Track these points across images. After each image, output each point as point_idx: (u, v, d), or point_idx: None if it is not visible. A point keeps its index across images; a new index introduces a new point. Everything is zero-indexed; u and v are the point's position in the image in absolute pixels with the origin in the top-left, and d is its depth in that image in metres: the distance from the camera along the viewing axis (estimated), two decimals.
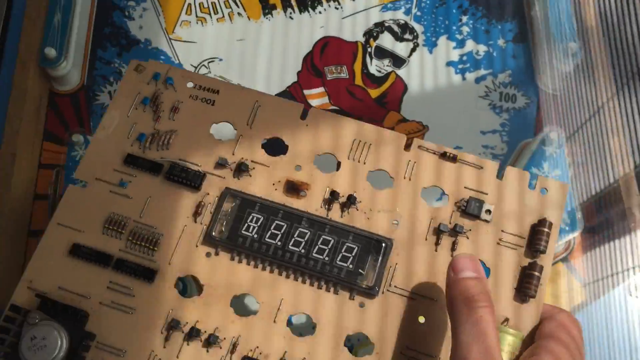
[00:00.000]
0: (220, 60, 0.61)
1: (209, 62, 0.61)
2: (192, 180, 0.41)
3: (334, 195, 0.40)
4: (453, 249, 0.39)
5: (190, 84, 0.44)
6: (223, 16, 0.63)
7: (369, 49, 0.62)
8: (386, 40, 0.62)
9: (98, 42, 0.61)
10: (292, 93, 0.60)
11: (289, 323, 0.38)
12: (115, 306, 0.39)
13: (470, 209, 0.40)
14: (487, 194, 0.40)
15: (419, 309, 0.38)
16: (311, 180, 0.41)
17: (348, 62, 0.61)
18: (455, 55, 0.61)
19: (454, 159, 0.41)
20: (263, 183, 0.41)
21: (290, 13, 0.63)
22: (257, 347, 0.38)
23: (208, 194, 0.41)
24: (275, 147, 0.42)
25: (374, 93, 0.60)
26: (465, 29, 0.62)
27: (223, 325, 0.38)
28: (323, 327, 0.38)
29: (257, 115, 0.43)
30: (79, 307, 0.38)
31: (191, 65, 0.61)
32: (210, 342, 0.38)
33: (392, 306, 0.38)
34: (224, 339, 0.38)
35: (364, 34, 0.62)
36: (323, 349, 0.38)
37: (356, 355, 0.37)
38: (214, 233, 0.40)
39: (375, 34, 0.62)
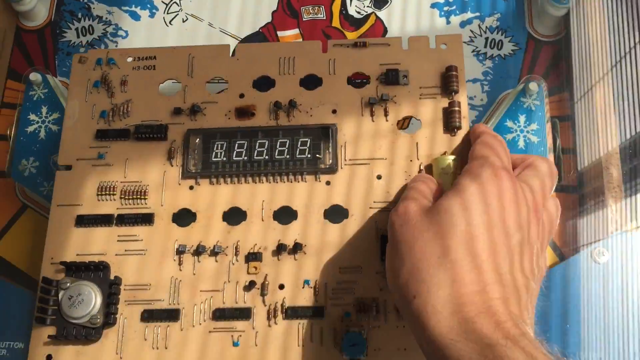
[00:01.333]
0: None
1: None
2: (158, 132, 0.47)
3: (277, 105, 0.47)
4: (386, 114, 0.47)
5: (129, 59, 0.50)
6: None
7: None
8: None
9: None
10: (265, 34, 0.57)
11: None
12: (129, 253, 0.45)
13: (389, 79, 0.47)
14: (399, 63, 0.48)
15: (374, 169, 0.46)
16: (255, 102, 0.48)
17: (326, 2, 0.57)
18: None
19: (364, 45, 0.48)
20: (217, 116, 0.48)
21: None
22: (256, 244, 0.45)
23: (174, 140, 0.48)
24: (218, 85, 0.49)
25: (351, 36, 0.57)
26: None
27: (223, 238, 0.45)
28: (302, 209, 0.45)
29: (194, 65, 0.49)
30: (98, 261, 0.45)
31: (162, 1, 0.58)
32: (216, 252, 0.45)
33: (353, 175, 0.46)
34: (227, 247, 0.45)
35: None
36: (309, 227, 0.45)
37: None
38: (189, 167, 0.47)
39: None
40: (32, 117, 0.53)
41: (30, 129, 0.53)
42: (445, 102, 0.46)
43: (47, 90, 0.54)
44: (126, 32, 0.57)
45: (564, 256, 0.49)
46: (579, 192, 0.50)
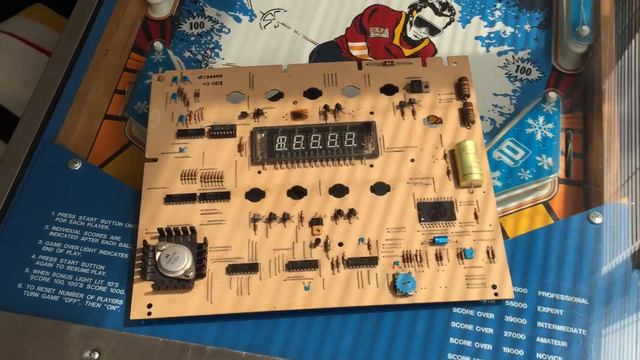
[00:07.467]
0: (285, 11, 0.72)
1: (275, 12, 0.72)
2: (229, 130, 0.58)
3: (326, 107, 0.59)
4: (413, 113, 0.59)
5: (199, 77, 0.62)
6: None
7: (411, 18, 0.71)
8: (427, 13, 0.71)
9: None
10: (339, 43, 0.70)
11: None
12: (211, 222, 0.55)
13: (414, 88, 0.60)
14: (421, 77, 0.61)
15: (408, 155, 0.58)
16: (307, 107, 0.60)
17: (390, 26, 0.71)
18: (484, 32, 0.70)
19: (392, 64, 0.62)
20: (276, 118, 0.59)
21: None
22: (316, 212, 0.55)
23: (242, 137, 0.59)
24: (275, 95, 0.61)
25: (407, 52, 0.69)
26: (498, 13, 0.71)
27: (289, 209, 0.55)
28: (352, 185, 0.56)
29: (254, 80, 0.61)
30: (188, 227, 0.54)
31: (260, 11, 0.72)
32: (285, 218, 0.55)
33: (391, 160, 0.57)
34: (293, 215, 0.55)
35: (409, 6, 0.72)
36: (359, 199, 0.56)
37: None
38: (257, 155, 0.57)
39: (418, 7, 0.72)
40: (150, 73, 0.65)
41: (147, 81, 0.65)
42: (460, 104, 0.59)
43: (165, 56, 0.67)
44: (229, 29, 0.71)
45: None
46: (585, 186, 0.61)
